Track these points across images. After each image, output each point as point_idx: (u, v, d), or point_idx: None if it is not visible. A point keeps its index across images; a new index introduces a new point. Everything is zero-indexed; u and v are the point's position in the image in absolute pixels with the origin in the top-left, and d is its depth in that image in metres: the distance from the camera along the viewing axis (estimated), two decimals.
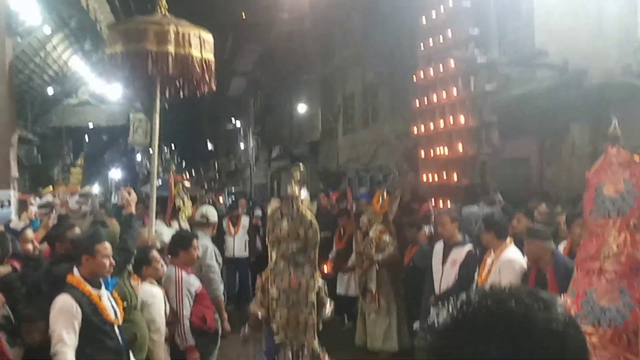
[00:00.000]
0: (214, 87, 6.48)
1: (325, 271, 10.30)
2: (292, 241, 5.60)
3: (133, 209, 5.77)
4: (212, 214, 7.55)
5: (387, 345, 8.39)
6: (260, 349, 6.05)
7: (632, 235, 3.32)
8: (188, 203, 7.42)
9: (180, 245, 5.77)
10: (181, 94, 6.54)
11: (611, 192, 3.43)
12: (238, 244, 11.13)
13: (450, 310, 0.99)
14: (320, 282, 5.70)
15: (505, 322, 0.92)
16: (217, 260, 7.09)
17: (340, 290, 10.06)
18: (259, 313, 5.68)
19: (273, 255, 5.70)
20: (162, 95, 6.41)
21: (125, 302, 4.87)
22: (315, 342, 5.68)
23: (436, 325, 1.00)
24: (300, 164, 6.15)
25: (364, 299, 8.54)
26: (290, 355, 5.61)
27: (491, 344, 0.90)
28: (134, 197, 5.89)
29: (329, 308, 5.81)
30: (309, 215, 5.64)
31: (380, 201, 8.65)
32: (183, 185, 7.07)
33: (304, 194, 5.85)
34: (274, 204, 5.93)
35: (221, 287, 7.14)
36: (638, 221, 3.30)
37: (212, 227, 7.44)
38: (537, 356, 0.90)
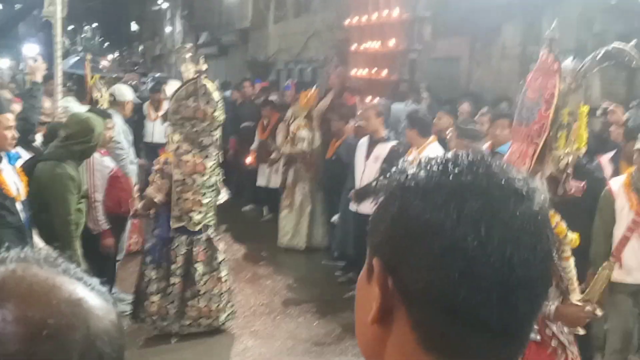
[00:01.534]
0: None
1: (248, 162, 10.20)
2: (198, 121, 5.41)
3: (38, 78, 5.43)
4: (121, 93, 7.29)
5: (295, 242, 8.48)
6: (149, 231, 5.96)
7: (527, 147, 3.20)
8: (105, 95, 7.12)
9: None
10: None
11: (529, 100, 3.30)
12: (158, 130, 10.77)
13: (425, 167, 0.84)
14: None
15: (491, 200, 0.79)
16: (127, 139, 7.02)
17: (261, 181, 10.04)
18: (157, 197, 5.49)
19: (175, 137, 5.47)
20: None
21: (78, 192, 4.79)
22: (213, 222, 5.67)
23: (399, 179, 0.85)
24: (189, 44, 6.02)
25: (282, 194, 8.57)
26: (184, 240, 5.53)
27: (464, 215, 0.78)
28: (40, 65, 5.54)
29: (224, 193, 5.83)
30: (215, 94, 5.46)
31: (308, 96, 8.51)
32: (99, 76, 6.76)
33: (192, 68, 5.62)
34: (173, 84, 5.83)
35: (130, 167, 7.00)
36: (535, 134, 3.15)
37: (123, 107, 7.25)
38: (511, 248, 0.78)
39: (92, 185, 5.71)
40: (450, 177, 0.81)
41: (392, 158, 6.49)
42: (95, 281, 0.80)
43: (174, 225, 5.49)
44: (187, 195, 5.44)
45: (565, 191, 3.13)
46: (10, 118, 4.17)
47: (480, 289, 0.77)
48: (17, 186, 4.21)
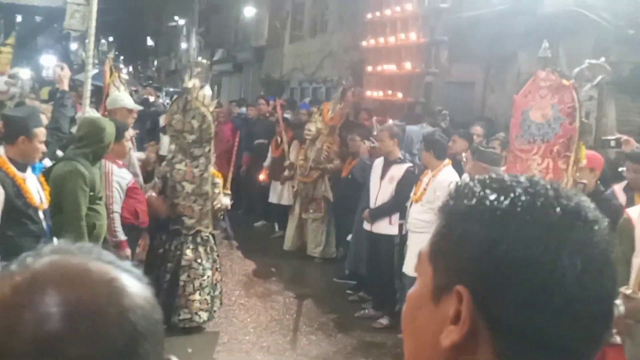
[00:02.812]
0: None
1: (261, 179, 10.27)
2: (187, 133, 5.85)
3: (65, 86, 5.52)
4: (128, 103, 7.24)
5: (326, 251, 8.77)
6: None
7: (554, 162, 3.24)
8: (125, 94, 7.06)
9: None
10: None
11: (538, 118, 3.34)
12: None
13: (512, 195, 0.82)
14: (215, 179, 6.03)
15: (580, 230, 0.79)
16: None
17: (272, 198, 10.09)
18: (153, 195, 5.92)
19: (172, 147, 5.99)
20: None
21: (92, 192, 4.80)
22: (209, 230, 6.06)
23: (486, 204, 0.82)
24: (204, 61, 6.24)
25: (307, 208, 8.69)
26: (182, 239, 5.95)
27: (562, 249, 0.77)
28: (67, 72, 5.63)
29: (224, 201, 6.09)
30: (203, 109, 5.81)
31: (331, 112, 8.62)
32: (119, 74, 6.68)
33: (206, 90, 6.02)
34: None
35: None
36: (562, 148, 3.21)
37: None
38: (600, 278, 0.79)
39: (110, 196, 5.78)
40: (540, 211, 0.80)
41: (407, 179, 6.56)
42: (127, 264, 0.86)
43: (171, 227, 5.98)
44: (177, 200, 5.92)
45: None
46: (44, 132, 4.25)
47: (577, 324, 0.77)
48: (40, 195, 4.29)
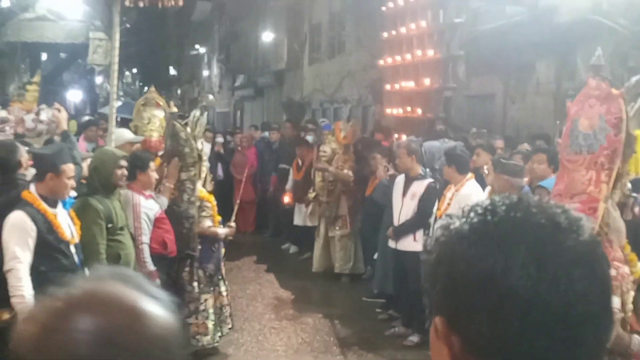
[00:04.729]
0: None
1: (285, 202, 10.32)
2: (175, 158, 5.93)
3: (64, 126, 5.65)
4: (120, 137, 6.99)
5: (356, 267, 8.83)
6: None
7: (597, 174, 3.21)
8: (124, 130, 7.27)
9: (137, 167, 5.48)
10: (141, 3, 6.29)
11: (585, 128, 3.29)
12: None
13: (466, 219, 0.87)
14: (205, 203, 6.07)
15: (534, 238, 0.81)
16: None
17: (298, 221, 10.13)
18: None
19: (166, 171, 5.99)
20: (122, 6, 6.22)
21: (110, 224, 4.82)
22: (193, 253, 6.03)
23: (445, 234, 0.89)
24: (211, 97, 6.48)
25: (333, 225, 8.76)
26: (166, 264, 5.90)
27: (514, 260, 0.79)
28: (64, 114, 5.79)
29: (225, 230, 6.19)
30: (182, 133, 5.90)
31: (344, 132, 8.68)
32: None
33: (202, 119, 6.22)
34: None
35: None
36: (606, 160, 3.17)
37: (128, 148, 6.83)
38: (564, 283, 0.79)
39: (139, 227, 5.86)
40: (492, 226, 0.83)
41: (429, 195, 6.57)
42: (156, 290, 0.93)
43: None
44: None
45: (634, 215, 3.16)
46: (71, 168, 4.34)
47: (542, 332, 0.78)
48: (70, 229, 4.39)
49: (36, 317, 0.87)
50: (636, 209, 3.20)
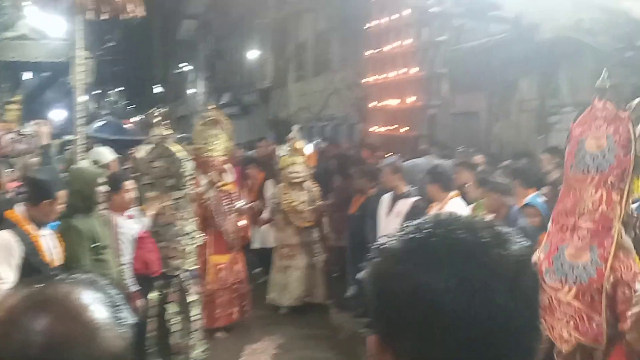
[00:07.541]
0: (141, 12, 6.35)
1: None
2: (167, 178, 5.99)
3: (45, 140, 5.63)
4: (102, 156, 7.17)
5: (316, 294, 8.39)
6: None
7: (608, 193, 3.24)
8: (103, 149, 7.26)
9: (111, 188, 5.34)
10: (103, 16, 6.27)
11: (592, 148, 3.32)
12: None
13: (397, 238, 0.89)
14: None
15: (455, 253, 0.82)
16: None
17: (255, 244, 9.10)
18: None
19: (150, 194, 6.02)
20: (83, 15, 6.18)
21: (94, 243, 4.78)
22: (191, 269, 6.08)
23: (377, 254, 0.91)
24: (160, 109, 6.43)
25: (313, 252, 8.38)
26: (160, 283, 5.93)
27: (436, 275, 0.80)
28: (46, 129, 5.80)
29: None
30: (178, 153, 5.98)
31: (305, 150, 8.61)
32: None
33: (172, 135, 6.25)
34: (142, 151, 6.26)
35: None
36: (616, 179, 3.20)
37: (109, 168, 6.88)
38: (483, 295, 0.79)
39: (118, 249, 5.77)
40: (417, 243, 0.84)
41: (413, 214, 6.52)
42: (125, 308, 0.91)
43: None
44: (162, 244, 5.90)
45: (637, 234, 3.16)
46: (64, 194, 4.35)
47: (465, 346, 0.77)
48: (51, 252, 4.32)
49: None
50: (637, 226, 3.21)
